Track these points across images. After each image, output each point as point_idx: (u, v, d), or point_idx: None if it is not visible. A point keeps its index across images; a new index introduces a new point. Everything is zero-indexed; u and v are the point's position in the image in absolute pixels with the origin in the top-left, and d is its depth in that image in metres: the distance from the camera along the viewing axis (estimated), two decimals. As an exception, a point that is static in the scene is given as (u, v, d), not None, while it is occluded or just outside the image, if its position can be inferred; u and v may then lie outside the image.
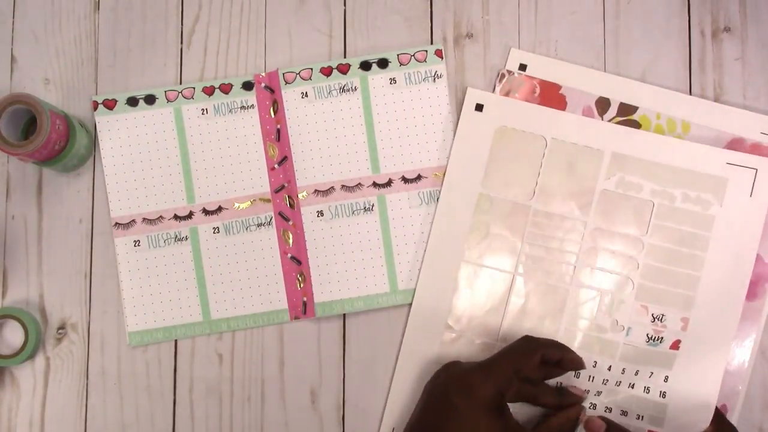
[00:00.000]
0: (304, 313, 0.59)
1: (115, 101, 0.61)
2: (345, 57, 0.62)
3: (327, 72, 0.61)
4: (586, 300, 0.58)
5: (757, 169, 0.58)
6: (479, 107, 0.60)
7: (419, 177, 0.60)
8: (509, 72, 0.61)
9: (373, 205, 0.60)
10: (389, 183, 0.60)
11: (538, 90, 0.60)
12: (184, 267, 0.60)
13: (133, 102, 0.61)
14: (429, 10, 0.62)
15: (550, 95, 0.60)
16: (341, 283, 0.59)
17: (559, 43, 0.62)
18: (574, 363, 0.54)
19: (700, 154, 0.59)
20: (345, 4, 0.63)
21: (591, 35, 0.62)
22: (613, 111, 0.60)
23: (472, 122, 0.60)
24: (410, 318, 0.59)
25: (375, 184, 0.60)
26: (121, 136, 0.61)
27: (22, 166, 0.61)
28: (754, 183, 0.58)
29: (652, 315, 0.58)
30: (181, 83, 0.62)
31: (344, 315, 0.60)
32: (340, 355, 0.60)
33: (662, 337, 0.58)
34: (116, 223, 0.60)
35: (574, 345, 0.58)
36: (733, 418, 0.58)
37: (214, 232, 0.60)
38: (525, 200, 0.59)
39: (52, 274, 0.60)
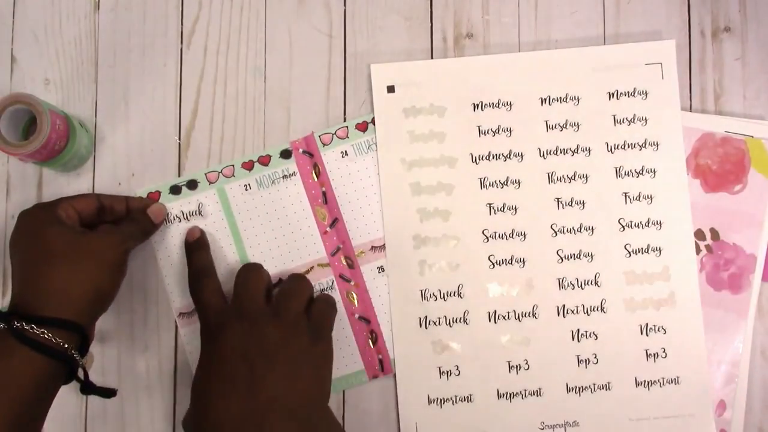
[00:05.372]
0: (382, 370, 0.59)
1: (158, 192, 0.60)
2: (345, 57, 0.62)
3: (363, 127, 0.61)
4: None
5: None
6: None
7: None
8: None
9: None
10: None
11: None
12: None
13: (176, 190, 0.60)
14: (429, 10, 0.62)
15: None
16: None
17: (559, 43, 0.62)
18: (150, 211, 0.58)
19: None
20: (345, 4, 0.63)
21: (591, 35, 0.62)
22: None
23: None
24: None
25: None
26: (170, 228, 0.60)
27: (22, 166, 0.61)
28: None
29: None
30: (181, 83, 0.62)
31: (344, 315, 0.60)
32: (340, 355, 0.60)
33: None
34: (180, 313, 0.60)
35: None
36: (732, 416, 0.58)
37: None
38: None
39: (52, 274, 0.60)
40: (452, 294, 0.59)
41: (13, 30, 0.62)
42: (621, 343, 0.58)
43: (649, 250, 0.59)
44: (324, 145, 0.60)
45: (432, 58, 0.62)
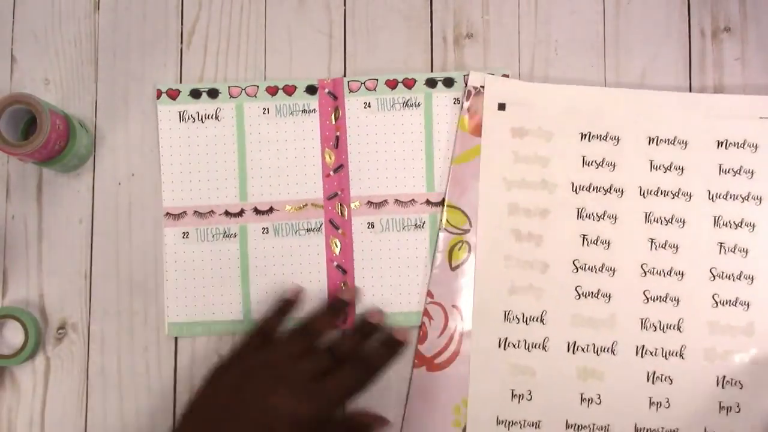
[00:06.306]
0: (345, 322, 0.59)
1: (178, 92, 0.61)
2: (345, 57, 0.62)
3: (392, 84, 0.61)
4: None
5: None
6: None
7: None
8: (475, 89, 0.61)
9: (424, 223, 0.60)
10: (443, 202, 0.60)
11: None
12: (230, 264, 0.60)
13: (196, 94, 0.61)
14: (429, 10, 0.62)
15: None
16: (384, 297, 0.59)
17: (559, 43, 0.62)
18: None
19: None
20: (345, 4, 0.63)
21: (591, 35, 0.62)
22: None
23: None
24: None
25: (428, 202, 0.60)
26: (180, 127, 0.61)
27: (22, 166, 0.61)
28: None
29: None
30: (181, 83, 0.62)
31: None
32: (340, 355, 0.60)
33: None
34: (167, 213, 0.60)
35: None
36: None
37: (263, 232, 0.60)
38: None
39: (52, 274, 0.60)
40: (535, 319, 0.59)
41: (13, 30, 0.62)
42: (695, 392, 0.57)
43: (737, 303, 0.58)
44: (350, 91, 0.61)
45: (432, 57, 0.62)
